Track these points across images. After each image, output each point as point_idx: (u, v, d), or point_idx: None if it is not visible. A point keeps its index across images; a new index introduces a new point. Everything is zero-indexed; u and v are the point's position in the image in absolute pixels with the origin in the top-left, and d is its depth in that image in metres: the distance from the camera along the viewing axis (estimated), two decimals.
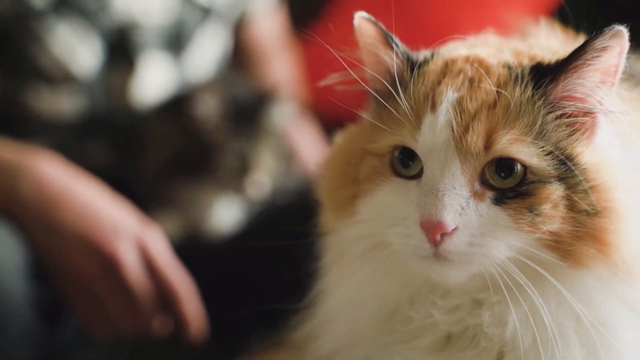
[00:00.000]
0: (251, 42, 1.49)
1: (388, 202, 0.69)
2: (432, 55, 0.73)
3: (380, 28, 0.72)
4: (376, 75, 0.72)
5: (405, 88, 0.70)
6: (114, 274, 1.05)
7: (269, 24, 1.51)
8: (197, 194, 1.29)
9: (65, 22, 1.22)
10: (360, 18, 0.71)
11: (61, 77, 1.23)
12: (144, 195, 1.28)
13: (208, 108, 1.28)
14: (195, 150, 1.27)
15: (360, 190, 0.71)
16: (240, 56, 1.48)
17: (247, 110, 1.30)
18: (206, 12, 1.35)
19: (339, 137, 0.79)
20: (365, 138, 0.72)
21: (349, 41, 0.74)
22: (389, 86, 0.70)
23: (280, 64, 1.55)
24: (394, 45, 0.72)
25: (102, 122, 1.29)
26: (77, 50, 1.23)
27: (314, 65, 2.09)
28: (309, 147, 1.46)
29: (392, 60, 0.71)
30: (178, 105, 1.31)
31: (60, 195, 1.07)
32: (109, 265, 1.05)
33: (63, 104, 1.25)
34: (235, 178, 1.28)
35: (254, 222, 1.31)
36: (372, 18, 0.72)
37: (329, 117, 1.63)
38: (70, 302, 1.08)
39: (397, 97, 0.69)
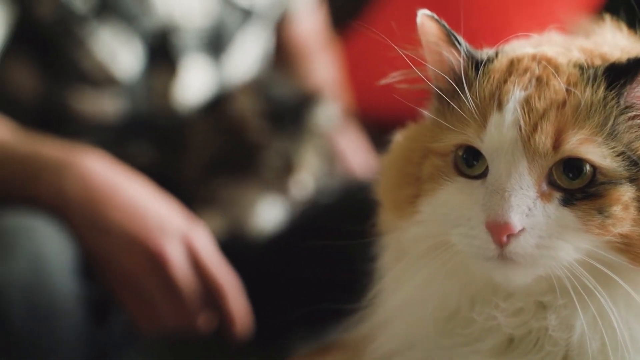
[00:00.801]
0: (292, 41, 1.49)
1: (451, 202, 0.68)
2: (497, 54, 0.71)
3: (444, 26, 0.71)
4: (440, 74, 0.71)
5: (469, 87, 0.69)
6: (160, 271, 1.05)
7: (309, 23, 1.51)
8: (240, 193, 1.28)
9: (108, 26, 1.23)
10: (424, 16, 0.70)
11: (103, 80, 1.24)
12: (187, 195, 1.28)
13: (249, 108, 1.28)
14: (238, 149, 1.27)
15: (422, 189, 0.70)
16: (282, 56, 1.48)
17: (290, 110, 1.30)
18: (247, 14, 1.36)
19: (399, 136, 0.78)
20: (428, 137, 0.71)
21: (407, 38, 0.73)
22: (454, 84, 0.69)
23: (322, 63, 1.54)
24: (457, 44, 0.70)
25: (144, 123, 1.29)
26: (119, 53, 1.23)
27: (355, 64, 2.10)
28: (352, 147, 1.46)
29: (456, 59, 0.70)
30: (219, 105, 1.31)
31: (107, 193, 1.07)
32: (155, 262, 1.05)
33: (105, 106, 1.25)
34: (278, 178, 1.28)
35: (297, 222, 1.30)
36: (435, 16, 0.70)
37: (370, 116, 1.62)
38: (118, 299, 1.08)
39: (462, 95, 0.68)
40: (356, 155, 1.46)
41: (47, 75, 1.24)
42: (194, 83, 1.31)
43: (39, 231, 1.05)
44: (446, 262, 0.69)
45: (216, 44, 1.33)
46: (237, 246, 1.29)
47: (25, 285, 1.01)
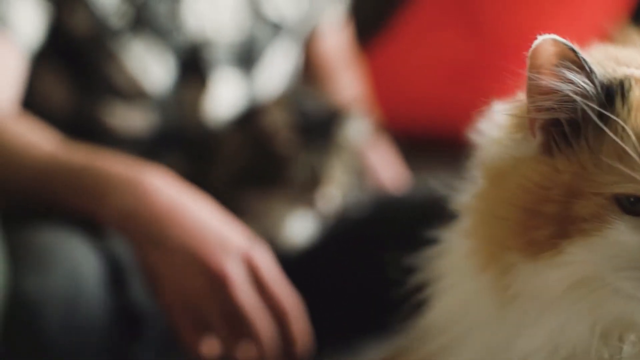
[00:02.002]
0: (320, 58, 1.50)
1: (624, 243, 0.64)
2: (626, 81, 0.67)
3: (573, 50, 0.66)
4: (565, 104, 0.67)
5: (603, 118, 0.65)
6: (222, 290, 1.03)
7: (337, 39, 1.52)
8: (269, 207, 1.28)
9: (140, 41, 1.23)
10: (549, 40, 0.66)
11: (135, 94, 1.24)
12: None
13: (278, 122, 1.28)
14: (267, 163, 1.26)
15: (570, 230, 0.66)
16: (309, 72, 1.48)
17: (319, 125, 1.30)
18: (277, 29, 1.35)
19: (497, 169, 0.72)
20: (573, 176, 0.67)
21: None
22: (594, 117, 0.65)
23: (348, 79, 1.55)
24: (589, 69, 0.66)
25: (175, 136, 1.29)
26: (151, 67, 1.23)
27: (381, 78, 2.09)
28: (383, 161, 1.46)
29: (584, 87, 0.66)
30: (249, 118, 1.31)
31: (172, 211, 1.05)
32: (216, 282, 1.02)
33: (137, 120, 1.25)
34: (306, 191, 1.28)
35: (327, 236, 1.30)
36: (565, 41, 0.66)
37: (398, 132, 1.62)
38: (173, 323, 1.05)
39: (606, 130, 0.64)
40: (387, 170, 1.46)
41: (78, 87, 1.23)
42: (224, 97, 1.30)
43: (75, 247, 1.04)
44: (596, 306, 0.66)
45: (247, 58, 1.33)
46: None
47: (61, 302, 1.00)
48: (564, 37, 0.67)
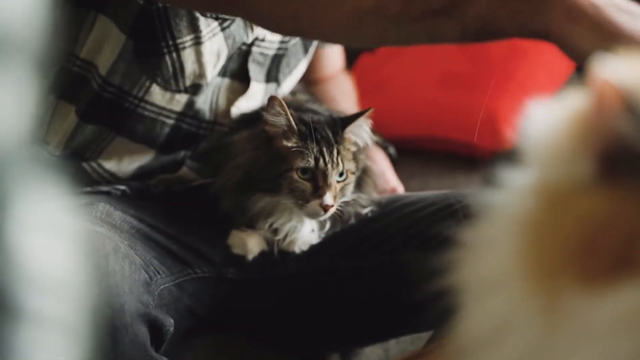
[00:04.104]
0: (320, 65, 1.52)
1: None
2: None
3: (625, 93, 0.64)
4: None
5: None
6: None
7: (333, 50, 1.54)
8: (274, 210, 1.28)
9: (211, 41, 1.25)
10: (608, 83, 0.63)
11: (193, 80, 1.26)
12: (225, 211, 1.28)
13: (283, 123, 1.28)
14: (272, 166, 1.27)
15: (631, 266, 0.64)
16: (308, 79, 1.50)
17: (323, 129, 1.30)
18: (306, 45, 1.41)
19: (564, 198, 0.68)
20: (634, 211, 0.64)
21: None
22: None
23: (346, 85, 1.57)
24: None
25: (194, 133, 1.31)
26: (210, 67, 1.26)
27: (369, 87, 2.11)
28: (384, 168, 1.47)
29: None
30: (256, 121, 1.31)
31: None
32: None
33: (173, 103, 1.27)
34: (312, 196, 1.28)
35: (332, 240, 1.31)
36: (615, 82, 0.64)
37: (388, 138, 1.64)
38: None
39: None
40: (385, 175, 1.47)
41: (131, 61, 1.23)
42: (251, 101, 1.34)
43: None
44: None
45: (277, 69, 1.37)
46: (274, 263, 1.30)
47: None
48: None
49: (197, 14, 1.21)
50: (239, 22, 1.26)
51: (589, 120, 0.67)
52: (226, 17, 1.23)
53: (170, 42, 1.21)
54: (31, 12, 0.37)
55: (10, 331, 0.37)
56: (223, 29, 1.24)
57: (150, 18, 1.18)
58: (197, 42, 1.22)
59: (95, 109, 1.25)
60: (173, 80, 1.24)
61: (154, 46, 1.21)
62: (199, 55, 1.23)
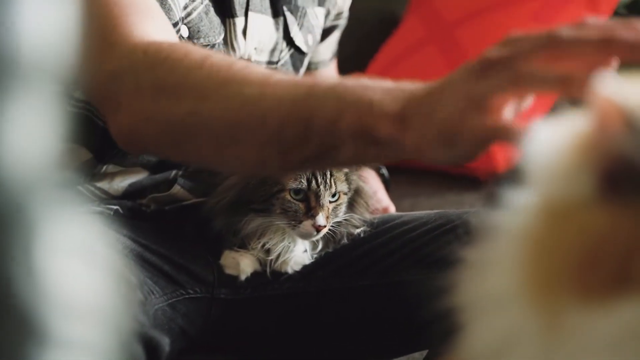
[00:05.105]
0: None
1: None
2: None
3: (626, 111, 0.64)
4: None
5: None
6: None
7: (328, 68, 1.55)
8: (267, 230, 1.28)
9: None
10: (609, 102, 0.63)
11: None
12: (217, 232, 1.28)
13: None
14: (264, 187, 1.27)
15: (631, 283, 0.64)
16: None
17: None
18: (304, 55, 1.42)
19: (566, 213, 0.68)
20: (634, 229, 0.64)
21: None
22: None
23: None
24: None
25: None
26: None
27: None
28: (376, 188, 1.47)
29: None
30: None
31: None
32: None
33: None
34: (304, 216, 1.28)
35: (325, 260, 1.31)
36: (616, 99, 0.64)
37: None
38: None
39: None
40: (377, 195, 1.48)
41: None
42: None
43: None
44: None
45: None
46: (267, 283, 1.30)
47: None
48: None
49: None
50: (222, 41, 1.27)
51: (590, 138, 0.67)
52: None
53: None
54: (61, 38, 0.37)
55: (39, 356, 0.37)
56: None
57: None
58: None
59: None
60: None
61: None
62: None
